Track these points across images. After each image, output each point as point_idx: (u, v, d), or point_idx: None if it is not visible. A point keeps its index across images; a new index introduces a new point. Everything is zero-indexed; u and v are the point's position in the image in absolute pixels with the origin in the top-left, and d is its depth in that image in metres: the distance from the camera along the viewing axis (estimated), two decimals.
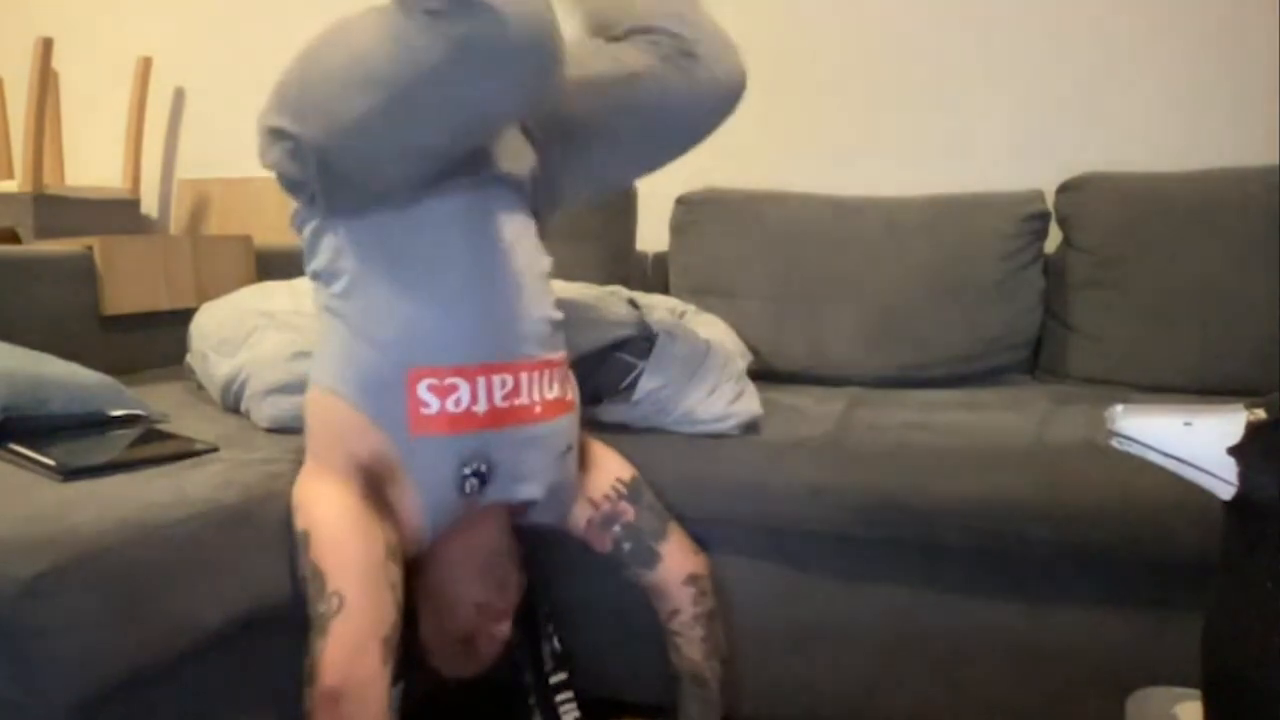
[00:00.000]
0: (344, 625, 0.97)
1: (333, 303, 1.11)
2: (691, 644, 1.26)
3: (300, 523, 1.05)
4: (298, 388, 1.22)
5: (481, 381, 1.08)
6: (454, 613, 1.19)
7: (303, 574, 1.02)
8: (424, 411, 1.06)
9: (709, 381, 1.39)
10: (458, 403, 1.07)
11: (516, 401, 1.11)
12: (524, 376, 1.12)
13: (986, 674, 1.26)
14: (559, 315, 1.19)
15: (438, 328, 1.07)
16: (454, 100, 0.95)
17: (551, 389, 1.16)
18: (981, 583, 1.26)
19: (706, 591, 1.28)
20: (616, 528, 1.25)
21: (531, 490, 1.16)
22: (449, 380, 1.07)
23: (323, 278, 1.12)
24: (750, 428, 1.39)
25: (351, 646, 0.96)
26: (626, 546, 1.25)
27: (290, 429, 1.27)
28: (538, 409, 1.14)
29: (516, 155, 1.18)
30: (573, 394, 1.22)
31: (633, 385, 1.38)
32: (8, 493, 0.98)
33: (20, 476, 1.04)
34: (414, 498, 1.09)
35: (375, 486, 1.09)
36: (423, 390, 1.06)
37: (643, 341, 1.44)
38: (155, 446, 1.17)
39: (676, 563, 1.26)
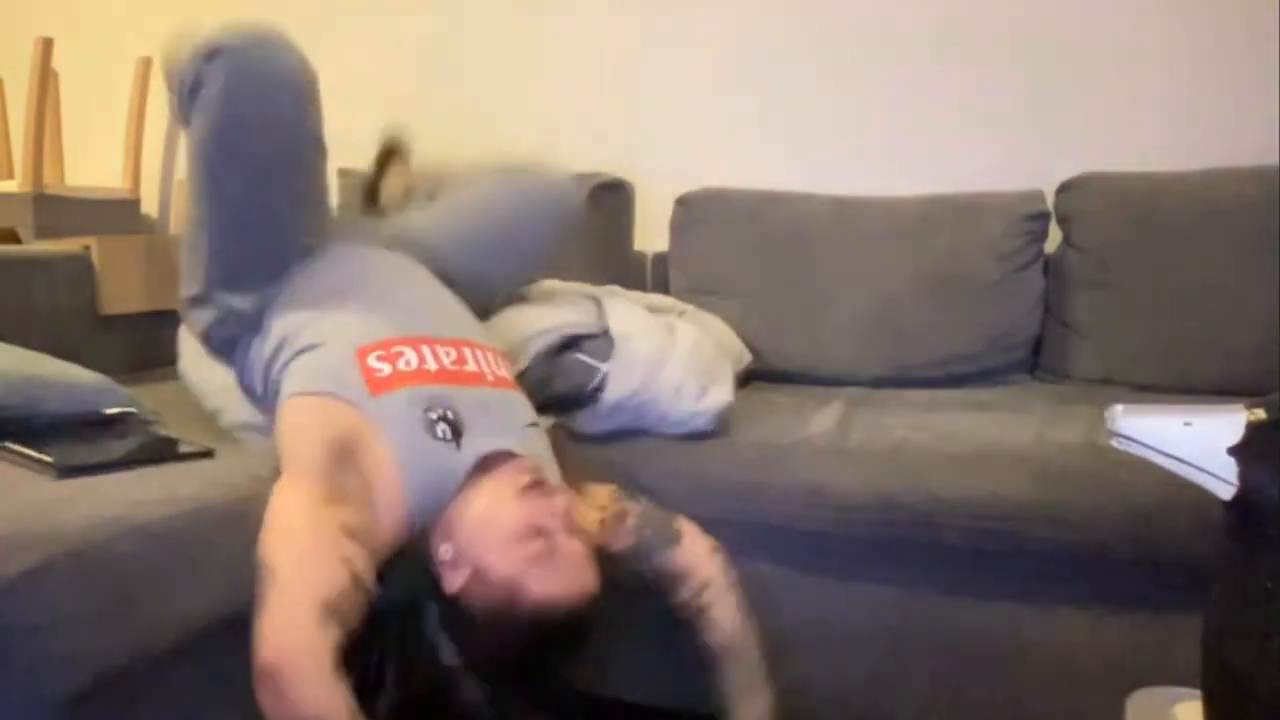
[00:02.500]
0: (275, 596, 0.91)
1: (277, 380, 1.19)
2: (728, 610, 1.23)
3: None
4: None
5: (426, 348, 1.17)
6: (509, 540, 1.06)
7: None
8: (378, 376, 1.12)
9: (674, 379, 1.39)
10: (408, 363, 1.14)
11: (465, 368, 1.18)
12: (467, 351, 1.21)
13: (986, 674, 1.26)
14: (483, 326, 1.33)
15: (373, 315, 1.19)
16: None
17: (500, 368, 1.23)
18: (981, 583, 1.26)
19: (728, 563, 1.26)
20: (630, 520, 1.24)
21: (507, 442, 1.14)
22: (395, 349, 1.15)
23: (262, 378, 1.24)
24: (723, 418, 1.39)
25: (282, 616, 0.90)
26: (647, 532, 1.24)
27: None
28: (490, 378, 1.20)
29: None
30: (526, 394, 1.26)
31: (600, 388, 1.38)
32: None
33: (12, 474, 1.04)
34: (388, 454, 1.07)
35: (346, 459, 1.06)
36: (373, 360, 1.14)
37: (604, 341, 1.44)
38: (149, 447, 1.17)
39: (697, 536, 1.26)
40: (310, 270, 1.29)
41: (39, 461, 1.05)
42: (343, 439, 1.07)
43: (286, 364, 1.19)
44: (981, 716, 1.27)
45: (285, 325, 1.22)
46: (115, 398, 1.29)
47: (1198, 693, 0.79)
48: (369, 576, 0.98)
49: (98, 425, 1.24)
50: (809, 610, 1.33)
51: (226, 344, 1.30)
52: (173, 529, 0.96)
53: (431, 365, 1.15)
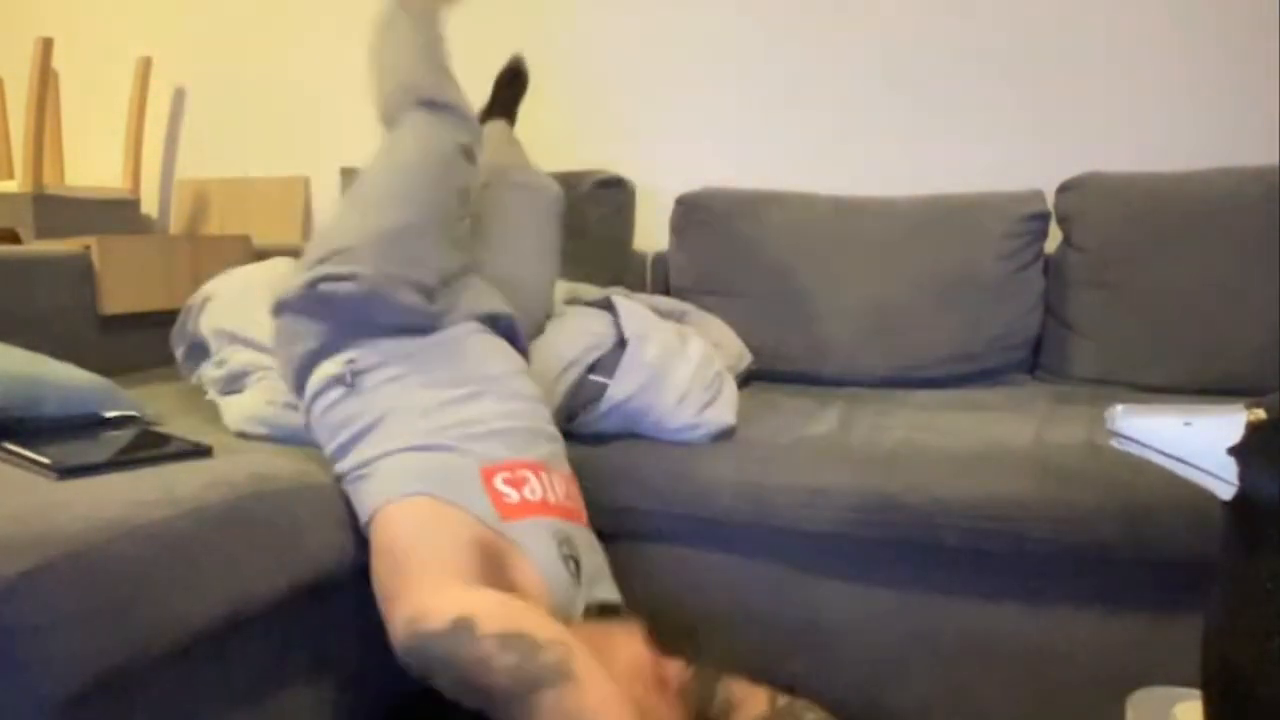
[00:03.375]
0: (590, 662, 0.87)
1: (368, 451, 1.12)
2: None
3: (443, 625, 0.91)
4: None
5: (544, 475, 1.13)
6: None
7: (476, 656, 0.88)
8: (506, 501, 1.07)
9: (678, 388, 1.39)
10: (533, 491, 1.10)
11: (569, 504, 1.15)
12: (571, 485, 1.18)
13: (986, 674, 1.26)
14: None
15: (491, 425, 1.13)
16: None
17: (581, 503, 1.20)
18: (981, 583, 1.26)
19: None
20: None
21: (615, 594, 1.12)
22: (520, 472, 1.11)
23: (349, 445, 1.14)
24: (722, 437, 1.39)
25: (604, 681, 0.86)
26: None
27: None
28: (583, 516, 1.17)
29: (482, 297, 1.31)
30: None
31: (599, 397, 1.38)
32: None
33: (11, 475, 1.03)
34: (533, 572, 1.03)
35: (496, 566, 1.02)
36: (499, 483, 1.09)
37: (615, 354, 1.43)
38: (149, 447, 1.17)
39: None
40: (438, 336, 1.22)
41: (37, 463, 1.05)
42: (487, 548, 1.02)
43: (386, 455, 1.11)
44: (981, 717, 1.27)
45: (391, 393, 1.15)
46: (117, 401, 1.29)
47: (1198, 693, 0.79)
48: None
49: (96, 425, 1.24)
50: (809, 610, 1.33)
51: (319, 304, 1.19)
52: (172, 530, 0.96)
53: (551, 497, 1.11)
